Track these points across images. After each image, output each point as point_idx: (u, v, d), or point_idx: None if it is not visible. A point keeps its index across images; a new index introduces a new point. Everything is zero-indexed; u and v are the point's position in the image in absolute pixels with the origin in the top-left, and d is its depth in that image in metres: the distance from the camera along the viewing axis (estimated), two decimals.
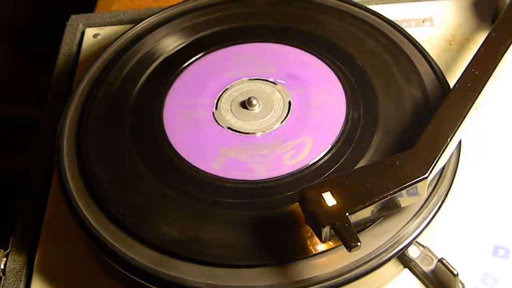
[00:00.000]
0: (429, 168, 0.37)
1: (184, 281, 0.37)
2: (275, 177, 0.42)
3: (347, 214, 0.35)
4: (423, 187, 0.38)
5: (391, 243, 0.38)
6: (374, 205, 0.36)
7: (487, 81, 0.42)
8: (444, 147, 0.38)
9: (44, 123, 0.51)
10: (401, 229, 0.39)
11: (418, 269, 0.40)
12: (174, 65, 0.50)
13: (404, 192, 0.37)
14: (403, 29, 0.50)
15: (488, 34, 0.46)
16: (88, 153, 0.44)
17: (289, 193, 0.41)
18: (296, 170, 0.42)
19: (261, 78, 0.48)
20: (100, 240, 0.40)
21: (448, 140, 0.39)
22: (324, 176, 0.42)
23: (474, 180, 0.44)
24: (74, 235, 0.43)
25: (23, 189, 0.48)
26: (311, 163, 0.42)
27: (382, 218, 0.39)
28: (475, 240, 0.42)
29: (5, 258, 0.44)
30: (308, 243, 0.38)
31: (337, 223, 0.34)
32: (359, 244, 0.34)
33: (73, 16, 0.60)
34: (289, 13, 0.53)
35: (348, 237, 0.34)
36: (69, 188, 0.42)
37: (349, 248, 0.34)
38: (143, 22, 0.53)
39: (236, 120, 0.46)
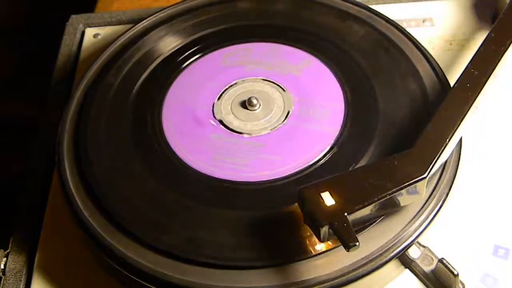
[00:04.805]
0: (428, 168, 0.37)
1: (182, 282, 0.37)
2: (274, 178, 0.42)
3: (345, 214, 0.35)
4: (422, 187, 0.38)
5: (392, 244, 0.38)
6: (373, 204, 0.36)
7: (486, 81, 0.42)
8: (443, 147, 0.38)
9: (44, 123, 0.52)
10: (401, 229, 0.39)
11: (419, 269, 0.40)
12: (173, 65, 0.50)
13: (403, 191, 0.37)
14: (403, 29, 0.50)
15: (488, 34, 0.45)
16: (88, 153, 0.44)
17: (288, 194, 0.41)
18: (295, 170, 0.42)
19: (261, 78, 0.48)
20: (100, 240, 0.40)
21: (447, 140, 0.39)
22: (323, 176, 0.42)
23: (474, 180, 0.44)
24: (74, 235, 0.43)
25: (23, 189, 0.48)
26: (310, 163, 0.42)
27: (382, 218, 0.39)
28: (475, 240, 0.42)
29: (5, 258, 0.44)
30: (308, 243, 0.38)
31: (336, 223, 0.34)
32: (357, 244, 0.34)
33: (73, 16, 0.60)
34: (289, 13, 0.53)
35: (346, 237, 0.34)
36: (69, 188, 0.42)
37: (348, 248, 0.34)
38: (142, 22, 0.53)
39: (236, 120, 0.46)
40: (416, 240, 0.39)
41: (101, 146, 0.45)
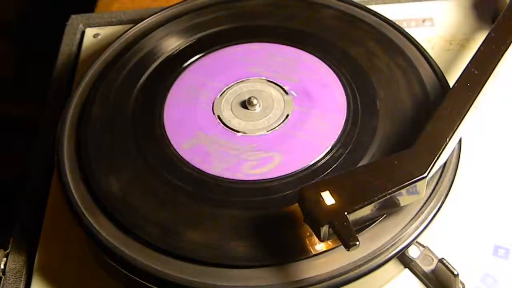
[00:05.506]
0: (428, 168, 0.37)
1: (182, 281, 0.37)
2: (273, 177, 0.42)
3: (345, 213, 0.35)
4: (422, 186, 0.38)
5: (392, 243, 0.38)
6: (373, 204, 0.36)
7: (486, 80, 0.42)
8: (443, 147, 0.38)
9: (44, 123, 0.52)
10: (401, 229, 0.39)
11: (419, 269, 0.40)
12: (174, 65, 0.50)
13: (403, 191, 0.37)
14: (403, 29, 0.50)
15: (488, 34, 0.46)
16: (88, 153, 0.44)
17: (288, 193, 0.41)
18: (295, 170, 0.42)
19: (262, 78, 0.48)
20: (100, 240, 0.40)
21: (447, 139, 0.39)
22: (324, 176, 0.42)
23: (474, 180, 0.44)
24: (74, 235, 0.43)
25: (23, 189, 0.48)
26: (310, 163, 0.42)
27: (382, 217, 0.39)
28: (475, 240, 0.42)
29: (5, 258, 0.44)
30: (308, 243, 0.38)
31: (336, 222, 0.34)
32: (357, 243, 0.34)
33: (73, 16, 0.60)
34: (289, 13, 0.53)
35: (346, 236, 0.34)
36: (69, 188, 0.42)
37: (348, 247, 0.34)
38: (143, 22, 0.53)
39: (236, 119, 0.46)
40: (416, 240, 0.39)
41: (101, 146, 0.45)
